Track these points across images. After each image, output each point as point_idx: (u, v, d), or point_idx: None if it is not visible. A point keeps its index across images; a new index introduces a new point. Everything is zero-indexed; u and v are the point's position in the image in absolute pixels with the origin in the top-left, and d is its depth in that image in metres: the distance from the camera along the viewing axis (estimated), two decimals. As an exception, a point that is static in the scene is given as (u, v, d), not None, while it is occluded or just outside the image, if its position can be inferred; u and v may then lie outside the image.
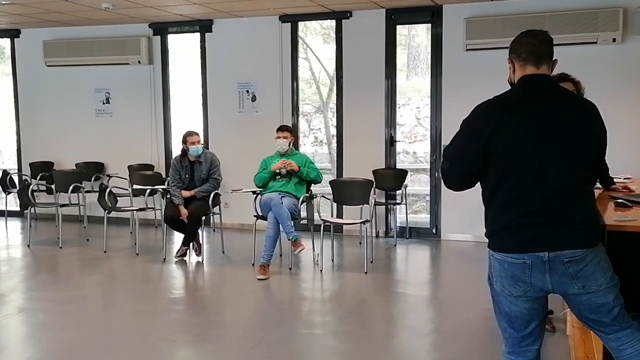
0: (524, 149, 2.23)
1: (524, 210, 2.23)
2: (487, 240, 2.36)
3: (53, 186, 7.86)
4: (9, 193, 8.78)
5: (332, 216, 6.79)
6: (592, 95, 2.44)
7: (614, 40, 6.46)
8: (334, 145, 8.37)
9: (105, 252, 6.83)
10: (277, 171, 6.19)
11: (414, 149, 11.15)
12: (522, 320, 2.33)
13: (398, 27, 7.58)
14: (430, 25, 7.45)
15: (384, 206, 7.57)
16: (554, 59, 2.38)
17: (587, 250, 2.22)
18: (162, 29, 8.44)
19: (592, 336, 3.39)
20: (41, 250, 7.12)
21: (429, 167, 7.80)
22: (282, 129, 6.34)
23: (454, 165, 2.40)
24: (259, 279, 5.62)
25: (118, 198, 7.38)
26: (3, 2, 7.08)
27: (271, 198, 5.92)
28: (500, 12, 6.78)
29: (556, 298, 2.36)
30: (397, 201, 7.52)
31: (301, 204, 6.14)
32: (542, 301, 2.34)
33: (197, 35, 8.33)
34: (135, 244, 6.97)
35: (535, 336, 2.37)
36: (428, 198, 7.96)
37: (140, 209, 7.02)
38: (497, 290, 2.35)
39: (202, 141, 6.61)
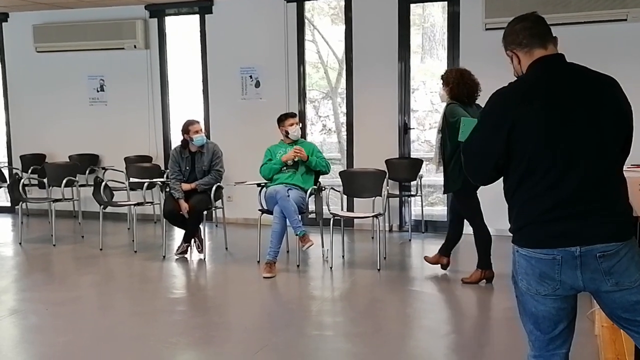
0: (548, 139, 2.21)
1: (553, 203, 2.21)
2: (509, 235, 2.33)
3: (45, 180, 7.88)
4: (-1, 188, 8.84)
5: (342, 210, 6.77)
6: (621, 76, 2.39)
7: (646, 16, 6.39)
8: (344, 133, 8.35)
9: (101, 249, 6.85)
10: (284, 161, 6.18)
11: (430, 136, 11.10)
12: (549, 322, 2.31)
13: (412, 5, 7.53)
14: (446, 3, 7.39)
15: (398, 198, 7.54)
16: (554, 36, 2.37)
17: (620, 243, 2.19)
18: (159, 10, 8.42)
19: (622, 336, 3.37)
20: (33, 248, 7.15)
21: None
22: (292, 115, 6.32)
23: (478, 161, 2.38)
24: (264, 277, 5.62)
25: (114, 192, 7.40)
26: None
27: (277, 191, 5.91)
28: (522, -12, 6.70)
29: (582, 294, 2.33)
30: (412, 193, 7.49)
31: (309, 196, 6.12)
32: (572, 300, 2.32)
33: (197, 17, 8.31)
34: (133, 240, 6.99)
35: (563, 339, 2.35)
36: (445, 189, 7.91)
37: (138, 204, 7.02)
38: (523, 290, 2.32)
39: (203, 130, 6.60)
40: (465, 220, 5.47)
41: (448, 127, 5.09)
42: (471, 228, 5.41)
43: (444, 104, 5.23)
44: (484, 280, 5.29)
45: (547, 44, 2.33)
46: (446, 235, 5.71)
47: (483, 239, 5.31)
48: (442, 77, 5.28)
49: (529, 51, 2.33)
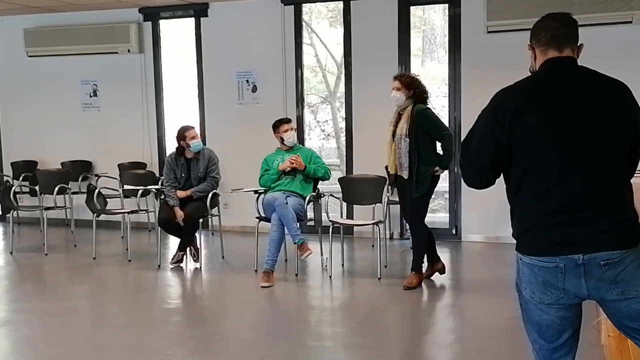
0: (549, 140, 2.22)
1: (554, 208, 2.21)
2: (513, 242, 2.35)
3: (37, 187, 7.89)
4: (-11, 196, 8.81)
5: (341, 217, 6.77)
6: (626, 80, 2.41)
7: (651, 19, 6.42)
8: (343, 139, 8.36)
9: (94, 258, 6.84)
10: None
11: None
12: (554, 330, 2.32)
13: (412, 7, 7.57)
14: (447, 5, 7.42)
15: (399, 205, 7.53)
16: (579, 43, 2.37)
17: (626, 251, 2.19)
18: (153, 14, 8.44)
19: (629, 346, 3.37)
20: (25, 257, 7.14)
21: (447, 161, 7.76)
22: (286, 121, 6.34)
23: (475, 157, 2.39)
24: (262, 287, 5.62)
25: (108, 200, 7.39)
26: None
27: (275, 198, 5.92)
28: (524, -10, 6.73)
29: (587, 303, 2.34)
30: (413, 199, 7.47)
31: (308, 203, 6.13)
32: (576, 309, 2.32)
33: (192, 20, 8.33)
34: (127, 249, 6.98)
35: (568, 348, 2.36)
36: (447, 195, 7.94)
37: (132, 212, 7.03)
38: (526, 298, 2.33)
39: (199, 135, 6.60)
40: (418, 222, 5.56)
41: (417, 131, 5.31)
42: (412, 232, 5.71)
43: (409, 108, 5.41)
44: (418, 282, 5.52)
45: (564, 47, 2.33)
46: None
47: (427, 241, 5.59)
48: (402, 82, 5.40)
49: (544, 50, 2.35)
